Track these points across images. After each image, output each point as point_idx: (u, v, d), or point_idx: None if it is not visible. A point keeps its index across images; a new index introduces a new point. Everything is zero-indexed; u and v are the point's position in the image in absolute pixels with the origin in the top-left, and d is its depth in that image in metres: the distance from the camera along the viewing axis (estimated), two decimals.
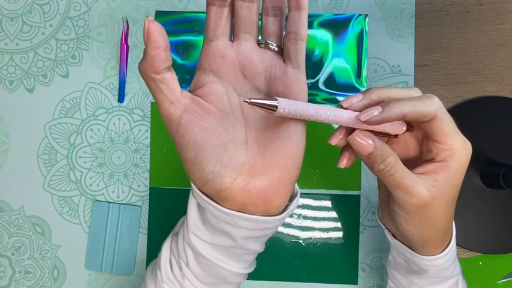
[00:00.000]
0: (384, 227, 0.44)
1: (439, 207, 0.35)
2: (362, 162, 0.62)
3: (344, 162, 0.36)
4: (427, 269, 0.41)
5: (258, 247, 0.38)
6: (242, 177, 0.33)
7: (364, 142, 0.33)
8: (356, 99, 0.34)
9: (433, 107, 0.33)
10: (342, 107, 0.34)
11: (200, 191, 0.35)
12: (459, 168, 0.35)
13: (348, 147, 0.36)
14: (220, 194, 0.33)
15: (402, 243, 0.42)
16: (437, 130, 0.34)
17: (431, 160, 0.35)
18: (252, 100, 0.30)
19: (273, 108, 0.31)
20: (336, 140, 0.35)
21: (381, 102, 0.34)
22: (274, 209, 0.35)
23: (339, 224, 0.63)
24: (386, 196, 0.40)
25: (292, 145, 0.34)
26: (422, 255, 0.40)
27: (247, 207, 0.34)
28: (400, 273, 0.46)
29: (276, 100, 0.31)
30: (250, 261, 0.40)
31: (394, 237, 0.43)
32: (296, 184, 0.37)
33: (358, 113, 0.33)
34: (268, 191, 0.34)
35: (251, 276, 0.63)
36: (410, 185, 0.34)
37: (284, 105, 0.31)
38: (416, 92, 0.35)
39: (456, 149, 0.35)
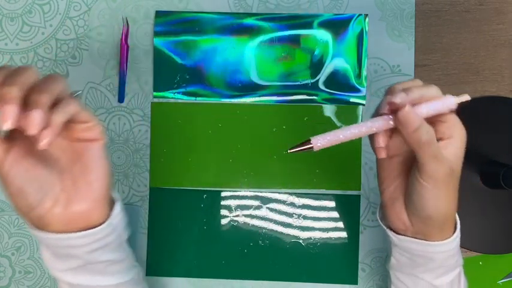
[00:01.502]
0: (386, 227, 0.45)
1: (457, 170, 0.39)
2: (361, 163, 0.62)
3: (383, 154, 0.40)
4: (434, 257, 0.42)
5: (112, 256, 0.42)
6: (61, 203, 0.38)
7: (416, 116, 0.36)
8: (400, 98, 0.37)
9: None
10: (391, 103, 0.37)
11: (34, 228, 0.39)
12: (462, 139, 0.39)
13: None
14: (43, 220, 0.38)
15: (408, 236, 0.43)
16: (447, 116, 0.39)
17: (440, 139, 0.39)
18: (291, 151, 0.37)
19: (311, 149, 0.37)
20: (384, 142, 0.40)
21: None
22: (97, 222, 0.40)
23: (339, 224, 0.63)
24: (396, 190, 0.42)
25: (97, 169, 0.39)
26: (434, 241, 0.41)
27: (71, 227, 0.39)
28: (405, 272, 0.46)
29: (310, 141, 0.37)
30: (122, 269, 0.44)
31: (398, 234, 0.44)
32: (116, 192, 0.42)
33: (385, 116, 0.38)
34: (86, 211, 0.39)
35: (251, 276, 0.63)
36: (441, 156, 0.37)
37: (318, 143, 0.37)
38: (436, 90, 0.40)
39: (457, 123, 0.39)
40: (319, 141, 0.37)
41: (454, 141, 0.39)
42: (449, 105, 0.39)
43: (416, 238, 0.42)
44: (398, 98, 0.36)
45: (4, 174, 0.35)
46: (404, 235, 0.43)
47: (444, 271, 0.44)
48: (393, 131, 0.40)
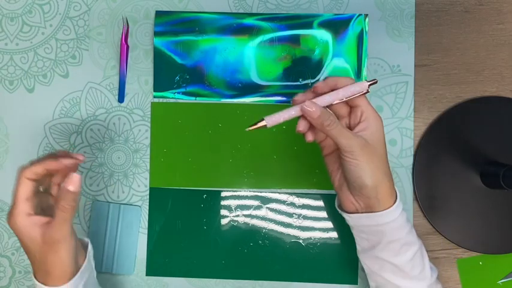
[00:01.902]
0: (344, 212, 0.52)
1: (376, 147, 0.47)
2: None
3: (310, 137, 0.48)
4: (383, 230, 0.49)
5: None
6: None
7: (312, 109, 0.45)
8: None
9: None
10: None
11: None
12: (377, 121, 0.47)
13: (308, 128, 0.48)
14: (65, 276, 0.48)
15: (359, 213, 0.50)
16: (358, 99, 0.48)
17: (358, 123, 0.48)
18: (248, 129, 0.46)
19: (264, 126, 0.46)
20: (304, 127, 0.48)
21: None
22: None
23: (339, 224, 0.63)
24: (340, 178, 0.51)
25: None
26: (378, 211, 0.48)
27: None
28: (369, 256, 0.51)
29: (263, 120, 0.46)
30: None
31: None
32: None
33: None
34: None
35: (251, 276, 0.63)
36: (349, 132, 0.46)
37: (270, 121, 0.46)
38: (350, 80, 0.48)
39: (371, 108, 0.48)
40: (270, 120, 0.46)
41: (370, 122, 0.47)
42: (361, 87, 0.47)
43: (364, 213, 0.49)
44: (299, 96, 0.48)
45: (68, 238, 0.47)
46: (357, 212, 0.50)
47: (399, 247, 0.49)
48: None
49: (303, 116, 0.47)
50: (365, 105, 0.48)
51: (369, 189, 0.47)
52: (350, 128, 0.49)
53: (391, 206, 0.48)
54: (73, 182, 0.45)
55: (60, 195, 0.46)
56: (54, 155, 0.49)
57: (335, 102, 0.47)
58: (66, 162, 0.47)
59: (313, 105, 0.45)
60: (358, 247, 0.53)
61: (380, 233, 0.49)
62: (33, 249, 0.47)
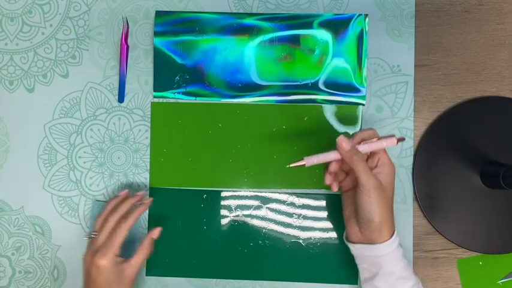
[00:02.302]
0: (349, 242, 0.56)
1: (387, 190, 0.54)
2: None
3: (335, 188, 0.56)
4: (381, 262, 0.54)
5: None
6: None
7: (348, 143, 0.53)
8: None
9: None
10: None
11: None
12: (390, 168, 0.55)
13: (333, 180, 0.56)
14: None
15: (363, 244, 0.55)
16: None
17: (375, 167, 0.55)
18: (290, 166, 0.54)
19: (303, 165, 0.53)
20: (330, 180, 0.56)
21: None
22: None
23: (339, 224, 0.63)
24: (350, 211, 0.56)
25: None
26: (379, 243, 0.53)
27: None
28: (369, 286, 0.55)
29: (303, 160, 0.53)
30: None
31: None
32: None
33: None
34: None
35: (251, 276, 0.63)
36: (370, 172, 0.53)
37: (309, 161, 0.53)
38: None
39: (386, 157, 0.55)
40: (309, 160, 0.53)
41: (384, 168, 0.54)
42: (391, 143, 0.54)
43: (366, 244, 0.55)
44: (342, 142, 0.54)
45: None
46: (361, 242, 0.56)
47: (394, 280, 0.54)
48: (347, 174, 0.57)
49: (328, 172, 0.55)
50: (382, 154, 0.55)
51: (375, 224, 0.53)
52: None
53: (388, 240, 0.54)
54: (156, 234, 0.58)
55: (146, 239, 0.58)
56: (135, 199, 0.60)
57: (368, 151, 0.54)
58: (149, 201, 0.60)
59: (346, 140, 0.53)
60: (361, 276, 0.57)
61: (378, 264, 0.54)
62: (105, 284, 0.54)
